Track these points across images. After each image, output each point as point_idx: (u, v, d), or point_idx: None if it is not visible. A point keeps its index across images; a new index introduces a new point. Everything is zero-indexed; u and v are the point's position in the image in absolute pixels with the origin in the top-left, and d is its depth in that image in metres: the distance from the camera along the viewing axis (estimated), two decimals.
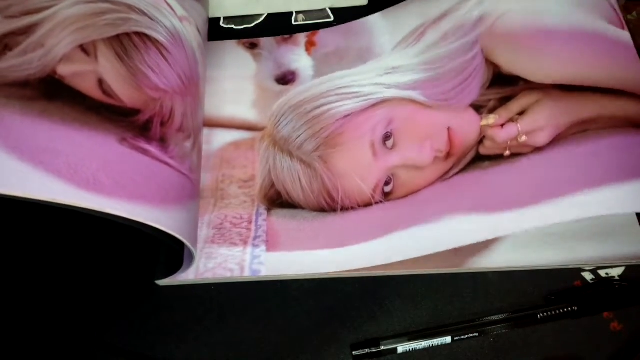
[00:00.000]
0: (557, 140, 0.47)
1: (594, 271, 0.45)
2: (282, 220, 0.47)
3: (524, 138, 0.47)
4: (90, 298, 0.44)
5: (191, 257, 0.41)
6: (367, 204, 0.47)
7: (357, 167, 0.46)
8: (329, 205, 0.47)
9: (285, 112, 0.49)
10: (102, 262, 0.45)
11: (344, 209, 0.47)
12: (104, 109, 0.37)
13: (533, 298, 0.44)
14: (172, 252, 0.40)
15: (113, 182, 0.34)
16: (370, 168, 0.46)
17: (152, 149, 0.38)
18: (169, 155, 0.39)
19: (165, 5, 0.43)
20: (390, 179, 0.47)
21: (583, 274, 0.45)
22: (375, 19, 0.57)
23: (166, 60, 0.41)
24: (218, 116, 0.53)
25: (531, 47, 0.49)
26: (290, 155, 0.47)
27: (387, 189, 0.47)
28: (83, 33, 0.37)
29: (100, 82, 0.37)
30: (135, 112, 0.38)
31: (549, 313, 0.42)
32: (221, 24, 0.59)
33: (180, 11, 0.44)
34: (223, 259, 0.45)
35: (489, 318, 0.42)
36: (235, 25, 0.58)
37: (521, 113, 0.48)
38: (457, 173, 0.48)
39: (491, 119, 0.48)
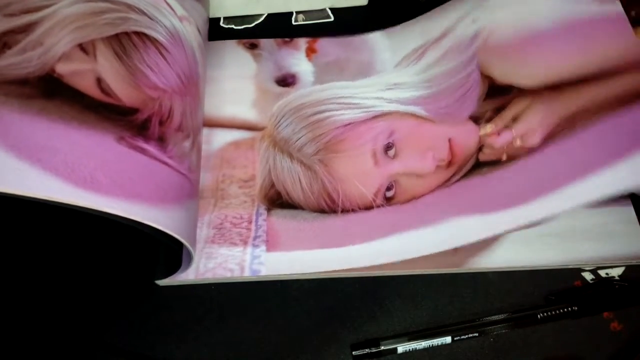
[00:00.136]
0: (548, 138, 0.49)
1: (594, 271, 0.44)
2: (282, 220, 0.47)
3: (518, 142, 0.49)
4: (90, 298, 0.44)
5: (190, 257, 0.41)
6: (368, 207, 0.47)
7: (358, 173, 0.47)
8: (329, 207, 0.47)
9: (285, 113, 0.49)
10: (102, 262, 0.45)
11: (345, 210, 0.47)
12: (102, 108, 0.37)
13: (533, 298, 0.44)
14: (171, 252, 0.40)
15: (110, 180, 0.34)
16: (371, 174, 0.47)
17: (151, 148, 0.38)
18: (167, 155, 0.39)
19: (165, 4, 0.43)
20: (392, 184, 0.47)
21: (583, 274, 0.44)
22: (376, 36, 0.58)
23: (165, 59, 0.41)
24: (218, 116, 0.53)
25: (521, 55, 0.52)
26: (291, 156, 0.47)
27: (389, 194, 0.47)
28: (82, 32, 0.37)
29: (99, 81, 0.37)
30: (133, 111, 0.38)
31: (549, 313, 0.42)
32: (221, 24, 0.59)
33: (180, 11, 0.44)
34: (223, 258, 0.45)
35: (489, 318, 0.42)
36: (235, 25, 0.58)
37: (514, 119, 0.50)
38: (458, 180, 0.48)
39: (489, 129, 0.50)
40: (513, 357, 0.42)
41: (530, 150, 0.48)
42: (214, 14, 0.58)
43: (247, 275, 0.44)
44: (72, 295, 0.44)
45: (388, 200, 0.47)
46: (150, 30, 0.40)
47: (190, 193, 0.42)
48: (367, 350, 0.41)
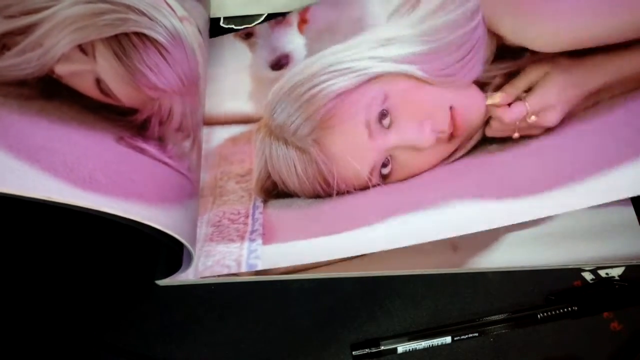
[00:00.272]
0: (568, 118, 0.44)
1: (594, 271, 0.44)
2: (277, 211, 0.47)
3: (533, 118, 0.44)
4: (90, 298, 0.45)
5: (190, 257, 0.41)
6: (364, 188, 0.45)
7: (352, 149, 0.45)
8: (324, 191, 0.46)
9: (280, 98, 0.48)
10: (101, 262, 0.45)
11: (340, 193, 0.45)
12: (101, 108, 0.37)
13: (533, 298, 0.44)
14: (171, 251, 0.40)
15: (110, 180, 0.34)
16: (365, 149, 0.44)
17: (150, 148, 0.38)
18: (167, 155, 0.39)
19: (165, 5, 0.43)
20: (388, 160, 0.45)
21: (583, 274, 0.44)
22: None
23: (165, 60, 0.41)
24: (217, 114, 0.52)
25: (535, 11, 0.45)
26: (286, 142, 0.46)
27: (385, 170, 0.45)
28: (81, 33, 0.37)
29: (98, 82, 0.37)
30: (133, 111, 0.38)
31: (549, 313, 0.42)
32: (221, 23, 0.59)
33: (180, 11, 0.44)
34: (221, 256, 0.45)
35: (489, 318, 0.42)
36: (235, 25, 0.58)
37: (529, 89, 0.45)
38: (462, 156, 0.45)
39: (497, 98, 0.44)
40: (513, 357, 0.42)
41: (547, 131, 0.43)
42: (214, 14, 0.58)
43: (244, 270, 0.44)
44: (72, 296, 0.44)
45: (384, 179, 0.45)
46: (150, 31, 0.40)
47: (190, 193, 0.42)
48: (367, 350, 0.41)
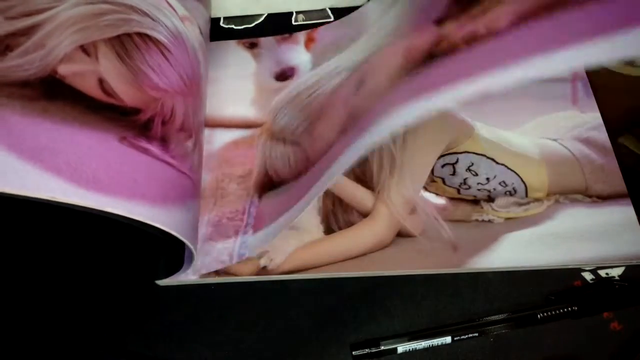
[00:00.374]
0: (518, 21, 0.37)
1: (594, 271, 0.45)
2: (267, 200, 0.48)
3: (482, 30, 0.38)
4: (91, 298, 0.44)
5: (191, 257, 0.41)
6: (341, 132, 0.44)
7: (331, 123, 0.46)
8: (306, 169, 0.47)
9: (283, 105, 0.50)
10: (102, 262, 0.45)
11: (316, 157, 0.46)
12: (104, 109, 0.37)
13: (533, 298, 0.44)
14: (172, 251, 0.40)
15: (113, 180, 0.34)
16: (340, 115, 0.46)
17: (153, 148, 0.38)
18: (169, 155, 0.39)
19: (166, 5, 0.43)
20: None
21: (583, 274, 0.45)
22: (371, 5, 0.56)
23: (167, 60, 0.41)
24: (218, 116, 0.53)
25: None
26: (284, 141, 0.48)
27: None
28: (84, 34, 0.37)
29: (101, 82, 0.37)
30: (135, 111, 0.38)
31: (549, 313, 0.42)
32: (221, 23, 0.59)
33: (181, 11, 0.44)
34: (218, 253, 0.45)
35: (489, 318, 0.42)
36: (235, 25, 0.59)
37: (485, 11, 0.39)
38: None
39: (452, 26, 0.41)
40: (513, 357, 0.42)
41: (494, 34, 0.37)
42: (214, 14, 0.58)
43: (235, 261, 0.44)
44: (73, 295, 0.44)
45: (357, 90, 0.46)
46: (152, 31, 0.40)
47: (192, 193, 0.42)
48: (367, 350, 0.41)
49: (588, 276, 0.44)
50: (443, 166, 0.49)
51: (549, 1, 0.36)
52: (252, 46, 0.57)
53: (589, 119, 0.51)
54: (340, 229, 0.46)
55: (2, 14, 0.37)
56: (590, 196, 0.47)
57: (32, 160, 0.31)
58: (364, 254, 0.45)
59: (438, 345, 0.42)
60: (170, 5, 0.43)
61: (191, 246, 0.38)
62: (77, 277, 0.45)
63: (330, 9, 0.59)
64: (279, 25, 0.59)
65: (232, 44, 0.57)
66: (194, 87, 0.44)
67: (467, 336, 0.42)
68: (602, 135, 0.49)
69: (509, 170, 0.48)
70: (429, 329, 0.43)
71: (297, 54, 0.56)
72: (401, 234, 0.46)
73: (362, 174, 0.48)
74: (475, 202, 0.47)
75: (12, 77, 0.34)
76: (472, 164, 0.48)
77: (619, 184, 0.47)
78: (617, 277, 0.44)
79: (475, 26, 0.39)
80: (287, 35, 0.57)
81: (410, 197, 0.47)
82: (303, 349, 0.43)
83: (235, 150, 0.51)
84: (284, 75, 0.54)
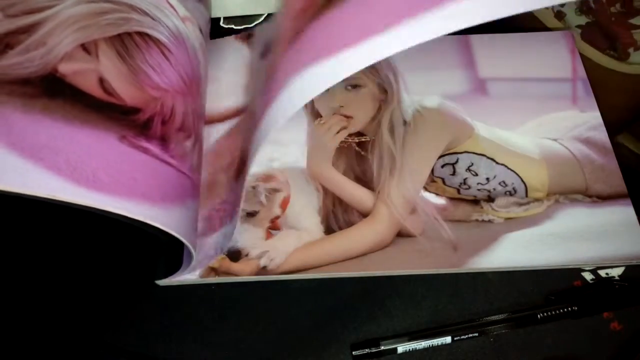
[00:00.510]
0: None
1: (594, 271, 0.45)
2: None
3: None
4: (91, 298, 0.44)
5: (190, 257, 0.41)
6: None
7: None
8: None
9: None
10: (102, 262, 0.45)
11: None
12: (104, 107, 0.37)
13: (533, 298, 0.44)
14: (171, 251, 0.40)
15: (112, 179, 0.34)
16: None
17: (153, 147, 0.38)
18: (169, 154, 0.39)
19: (167, 5, 0.43)
20: None
21: (583, 274, 0.45)
22: None
23: (167, 59, 0.41)
24: (216, 113, 0.53)
25: None
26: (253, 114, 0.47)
27: None
28: (84, 32, 0.37)
29: (101, 81, 0.37)
30: (135, 110, 0.38)
31: (549, 313, 0.42)
32: (221, 23, 0.59)
33: (182, 11, 0.44)
34: (208, 247, 0.45)
35: (489, 318, 0.42)
36: (235, 25, 0.59)
37: None
38: None
39: None
40: (513, 357, 0.42)
41: None
42: (214, 14, 0.58)
43: (219, 254, 0.45)
44: (73, 295, 0.44)
45: None
46: (152, 31, 0.40)
47: (191, 192, 0.42)
48: (367, 350, 0.41)
49: (588, 276, 0.44)
50: (443, 166, 0.49)
51: None
52: (249, 37, 0.57)
53: (588, 119, 0.51)
54: (340, 229, 0.46)
55: (3, 12, 0.37)
56: (590, 196, 0.47)
57: (33, 159, 0.31)
58: (364, 254, 0.45)
59: (438, 345, 0.42)
60: (171, 5, 0.43)
61: (190, 246, 0.38)
62: (76, 276, 0.45)
63: None
64: None
65: (230, 39, 0.57)
66: (194, 87, 0.44)
67: (467, 336, 0.42)
68: (602, 135, 0.49)
69: (509, 170, 0.48)
70: (429, 329, 0.42)
71: None
72: (401, 234, 0.46)
73: (362, 174, 0.48)
74: (475, 202, 0.47)
75: (12, 75, 0.34)
76: (472, 164, 0.48)
77: (619, 184, 0.47)
78: (617, 277, 0.44)
79: None
80: None
81: (410, 197, 0.47)
82: (303, 349, 0.43)
83: (225, 141, 0.51)
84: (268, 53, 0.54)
